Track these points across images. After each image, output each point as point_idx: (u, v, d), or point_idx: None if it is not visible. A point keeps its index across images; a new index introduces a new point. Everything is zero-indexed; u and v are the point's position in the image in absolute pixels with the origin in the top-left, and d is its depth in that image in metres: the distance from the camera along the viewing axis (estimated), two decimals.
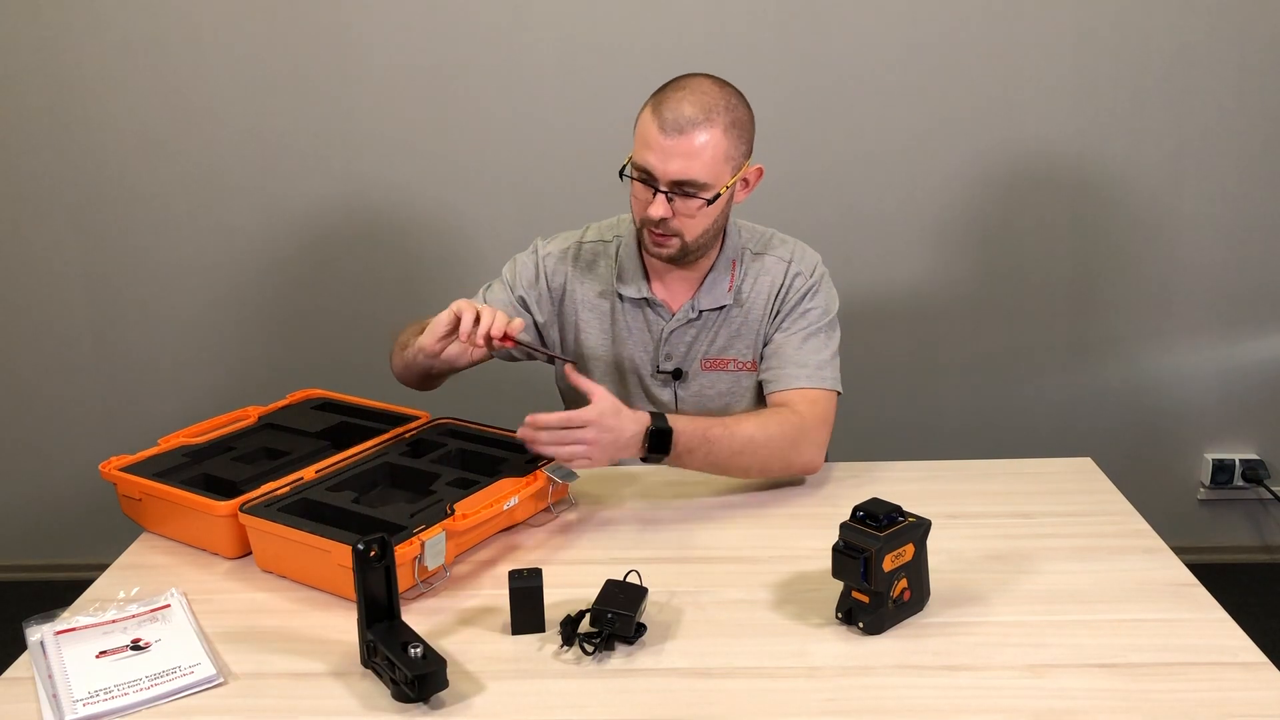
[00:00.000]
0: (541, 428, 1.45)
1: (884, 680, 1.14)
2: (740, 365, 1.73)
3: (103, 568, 1.44)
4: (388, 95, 2.55)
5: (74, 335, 2.72)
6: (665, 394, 1.75)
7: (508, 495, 1.44)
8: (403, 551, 1.27)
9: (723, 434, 1.55)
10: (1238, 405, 2.71)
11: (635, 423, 1.50)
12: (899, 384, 2.70)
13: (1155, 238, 2.60)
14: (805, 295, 1.70)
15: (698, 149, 1.53)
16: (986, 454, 2.04)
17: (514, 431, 1.65)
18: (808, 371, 1.66)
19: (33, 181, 2.62)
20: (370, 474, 1.54)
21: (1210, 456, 2.75)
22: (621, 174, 1.62)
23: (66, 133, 2.58)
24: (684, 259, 1.66)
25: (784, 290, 1.71)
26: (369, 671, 1.17)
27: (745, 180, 1.64)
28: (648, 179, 1.57)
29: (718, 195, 1.57)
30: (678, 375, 1.73)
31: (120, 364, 2.74)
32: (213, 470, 1.56)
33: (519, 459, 1.55)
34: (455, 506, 1.37)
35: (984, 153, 2.55)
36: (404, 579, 1.29)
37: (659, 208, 1.56)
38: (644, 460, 1.54)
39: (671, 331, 1.72)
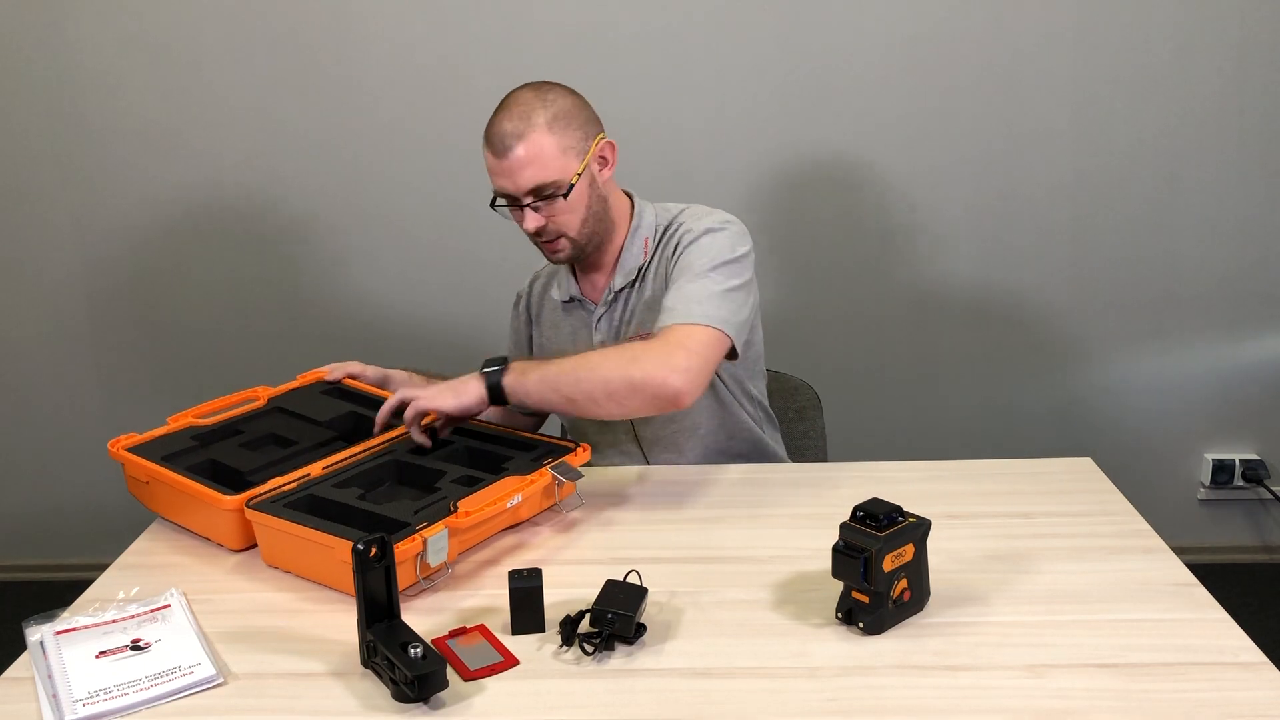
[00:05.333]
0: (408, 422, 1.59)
1: (884, 680, 1.14)
2: None
3: (103, 568, 1.44)
4: (388, 92, 2.55)
5: (74, 335, 2.72)
6: None
7: (511, 493, 1.43)
8: (405, 548, 1.27)
9: (559, 360, 1.56)
10: (1238, 405, 2.71)
11: (472, 376, 1.59)
12: (899, 384, 2.71)
13: (1155, 238, 2.60)
14: (688, 246, 1.67)
15: (531, 156, 1.59)
16: (986, 454, 2.04)
17: (519, 430, 1.67)
18: (680, 310, 1.57)
19: (33, 179, 2.62)
20: (377, 471, 1.55)
21: (1210, 456, 2.75)
22: (493, 206, 1.69)
23: (66, 131, 2.59)
24: (584, 253, 1.72)
25: (674, 250, 1.70)
26: (369, 671, 1.17)
27: (601, 158, 1.68)
28: (512, 201, 1.64)
29: (572, 186, 1.62)
30: None
31: (120, 364, 2.74)
32: (220, 456, 1.56)
33: (524, 457, 1.55)
34: (458, 504, 1.38)
35: (984, 153, 2.55)
36: (407, 576, 1.29)
37: (530, 220, 1.63)
38: (492, 401, 1.56)
39: (599, 319, 1.77)
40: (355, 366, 1.84)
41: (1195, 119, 2.52)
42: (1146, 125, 2.53)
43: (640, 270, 1.74)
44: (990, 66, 2.50)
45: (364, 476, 1.52)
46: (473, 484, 1.46)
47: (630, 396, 1.50)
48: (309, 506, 1.42)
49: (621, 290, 1.75)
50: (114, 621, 1.28)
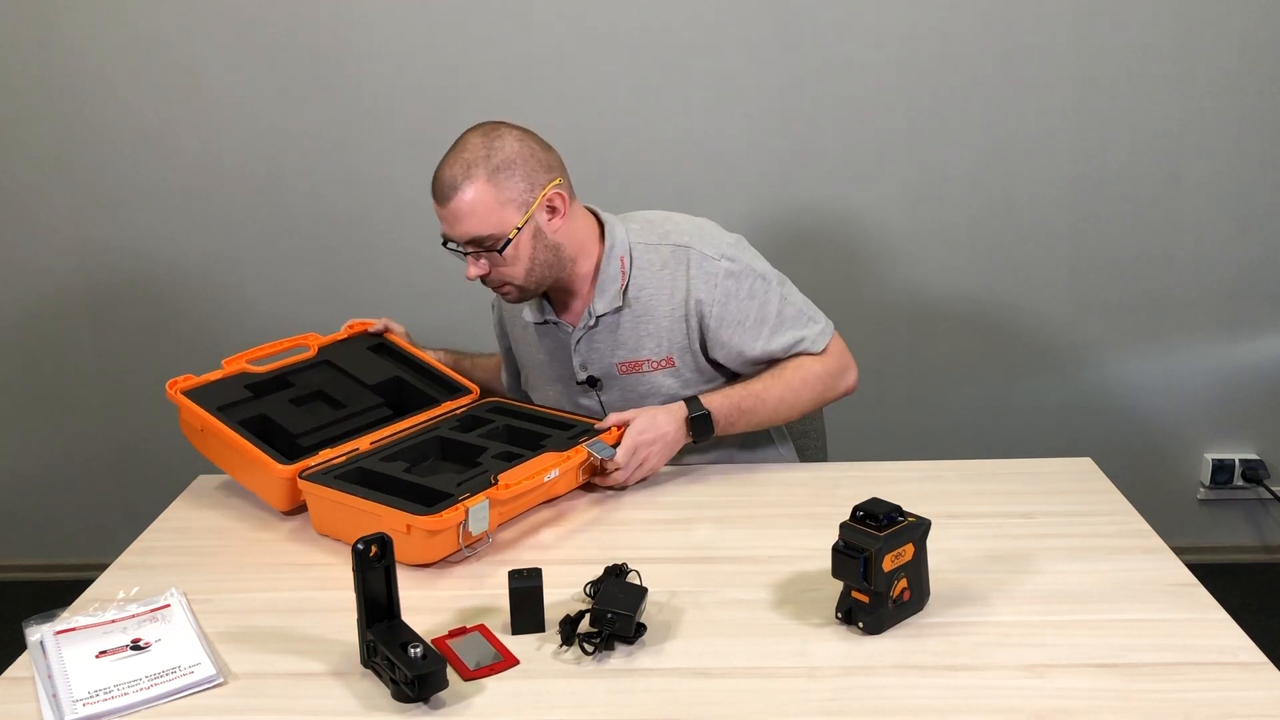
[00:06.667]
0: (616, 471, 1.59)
1: (884, 680, 1.14)
2: (655, 365, 1.73)
3: (103, 568, 1.45)
4: (388, 93, 2.55)
5: (74, 335, 2.72)
6: (589, 401, 1.78)
7: (548, 468, 1.51)
8: (449, 517, 1.36)
9: (756, 404, 1.68)
10: (1237, 405, 2.71)
11: (673, 420, 1.63)
12: (899, 384, 2.70)
13: (1155, 238, 2.60)
14: (733, 279, 1.68)
15: (467, 209, 1.57)
16: (986, 454, 2.04)
17: (557, 410, 1.75)
18: (807, 343, 1.73)
19: (33, 179, 2.62)
20: (422, 446, 1.63)
21: (1210, 456, 2.75)
22: (444, 244, 1.65)
23: (66, 131, 2.58)
24: (534, 295, 1.70)
25: (691, 281, 1.67)
26: (369, 671, 1.18)
27: (550, 208, 1.62)
28: (457, 246, 1.63)
29: (508, 241, 1.59)
30: (593, 383, 1.75)
31: (120, 364, 2.74)
32: (272, 412, 1.64)
33: (562, 435, 1.62)
34: (499, 477, 1.45)
35: (983, 153, 2.55)
36: (449, 544, 1.39)
37: (472, 268, 1.63)
38: (696, 443, 1.67)
39: (578, 341, 1.74)
40: (399, 327, 1.90)
41: (1195, 119, 2.52)
42: (1147, 126, 2.52)
43: (622, 292, 1.69)
44: (990, 68, 2.50)
45: (409, 451, 1.61)
46: (512, 459, 1.54)
47: (824, 405, 1.79)
48: (358, 478, 1.51)
49: (605, 315, 1.71)
50: (114, 621, 1.28)
